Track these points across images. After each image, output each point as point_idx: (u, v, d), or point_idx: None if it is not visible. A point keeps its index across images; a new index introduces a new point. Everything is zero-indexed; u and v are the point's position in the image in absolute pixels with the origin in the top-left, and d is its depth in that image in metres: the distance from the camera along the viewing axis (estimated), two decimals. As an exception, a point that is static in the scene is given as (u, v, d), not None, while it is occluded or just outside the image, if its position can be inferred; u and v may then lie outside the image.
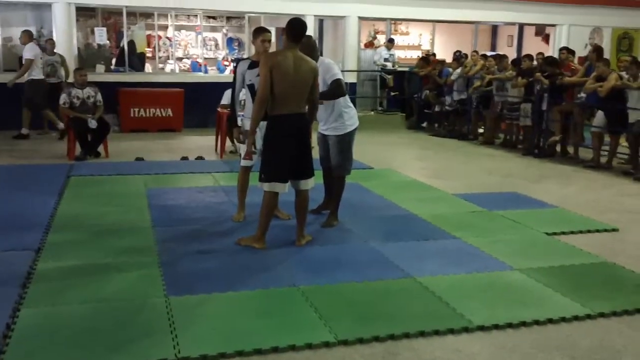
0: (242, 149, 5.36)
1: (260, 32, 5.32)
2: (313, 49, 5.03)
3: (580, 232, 5.54)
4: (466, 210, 6.19)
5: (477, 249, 4.89)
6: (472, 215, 5.98)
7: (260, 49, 5.25)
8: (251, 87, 5.20)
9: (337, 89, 5.15)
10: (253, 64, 5.20)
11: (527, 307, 3.80)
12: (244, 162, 5.39)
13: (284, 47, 4.64)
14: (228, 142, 9.30)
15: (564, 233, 5.45)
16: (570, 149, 9.71)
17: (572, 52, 10.51)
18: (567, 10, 14.86)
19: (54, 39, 11.11)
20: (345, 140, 5.36)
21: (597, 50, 9.50)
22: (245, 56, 14.04)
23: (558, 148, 9.77)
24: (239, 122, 5.46)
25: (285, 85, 4.48)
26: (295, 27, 4.59)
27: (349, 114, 5.35)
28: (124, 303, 3.71)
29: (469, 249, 4.92)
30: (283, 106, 4.54)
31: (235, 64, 5.51)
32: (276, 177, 4.61)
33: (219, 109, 9.26)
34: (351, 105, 5.44)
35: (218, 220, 5.58)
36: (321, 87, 5.15)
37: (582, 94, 9.24)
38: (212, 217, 5.71)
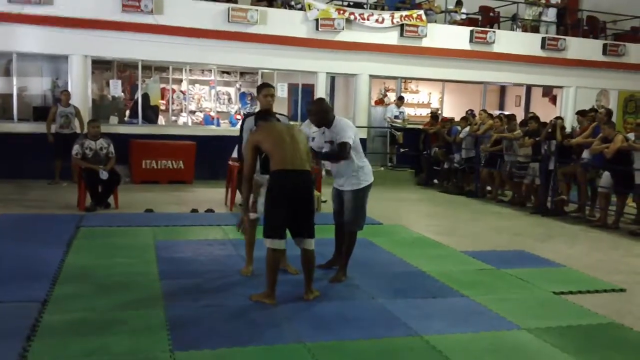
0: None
1: (263, 87, 5.50)
2: (327, 112, 5.24)
3: (588, 292, 5.49)
4: (474, 267, 6.17)
5: (484, 308, 4.85)
6: (480, 273, 5.95)
7: (264, 102, 5.40)
8: None
9: (340, 152, 5.17)
10: (260, 118, 5.33)
11: (535, 370, 3.75)
12: (251, 215, 5.42)
13: None
14: (238, 195, 9.38)
15: (571, 292, 5.41)
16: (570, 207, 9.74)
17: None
18: (574, 73, 15.14)
19: (69, 90, 11.37)
20: (360, 196, 5.40)
21: (609, 113, 9.64)
22: (256, 109, 14.30)
23: (566, 207, 9.79)
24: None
25: (279, 142, 4.64)
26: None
27: (364, 170, 5.41)
28: (129, 357, 3.68)
29: (476, 307, 4.88)
30: (281, 162, 4.61)
31: (242, 120, 5.66)
32: (273, 234, 4.64)
33: (230, 162, 9.37)
34: (366, 161, 5.48)
35: (226, 274, 5.58)
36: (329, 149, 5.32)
37: (584, 155, 9.32)
38: (221, 270, 5.71)
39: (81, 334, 4.00)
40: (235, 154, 9.40)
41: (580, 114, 10.58)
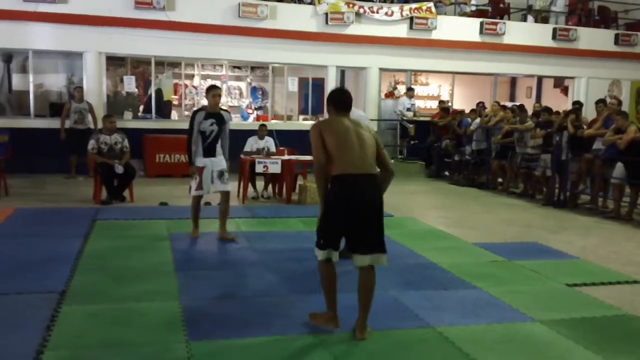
0: (193, 183, 6.55)
1: (211, 89, 6.45)
2: None
3: (602, 283, 5.49)
4: (486, 259, 6.19)
5: (497, 299, 4.88)
6: (492, 265, 5.98)
7: (212, 102, 6.40)
8: (202, 133, 6.39)
9: None
10: (208, 115, 6.37)
11: (547, 360, 3.78)
12: (194, 192, 6.57)
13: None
14: (250, 188, 9.46)
15: (585, 284, 5.41)
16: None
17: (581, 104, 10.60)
18: (586, 63, 15.04)
19: (84, 86, 11.49)
20: None
21: (620, 103, 9.59)
22: (267, 103, 14.37)
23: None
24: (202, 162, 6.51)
25: (343, 141, 3.95)
26: (339, 97, 4.17)
27: None
28: (146, 348, 3.76)
29: (489, 299, 4.91)
30: (344, 166, 3.92)
31: (192, 114, 6.55)
32: (326, 244, 3.95)
33: (241, 156, 9.44)
34: None
35: (239, 266, 5.66)
36: None
37: (596, 147, 9.29)
38: (233, 262, 5.80)
39: (98, 324, 4.09)
40: (247, 148, 9.55)
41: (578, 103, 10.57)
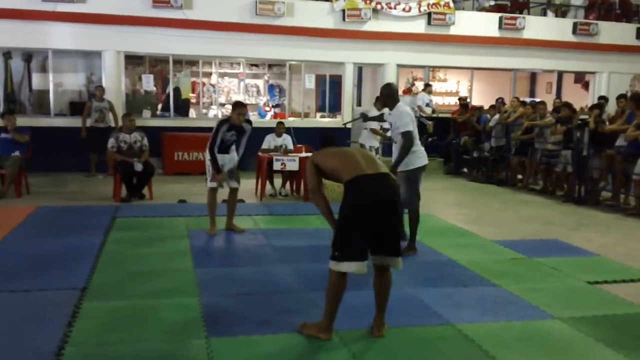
0: (208, 175, 6.71)
1: (237, 107, 6.71)
2: (389, 96, 5.94)
3: (623, 281, 5.44)
4: (505, 257, 6.15)
5: (516, 297, 4.84)
6: (512, 263, 5.93)
7: (236, 120, 6.62)
8: (222, 142, 6.66)
9: (405, 141, 5.83)
10: (231, 127, 6.64)
11: (568, 358, 3.75)
12: (210, 184, 6.68)
13: None
14: (268, 186, 9.48)
15: (606, 282, 5.36)
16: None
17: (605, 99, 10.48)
18: (607, 58, 14.86)
19: (103, 85, 11.60)
20: (412, 177, 5.91)
21: (635, 98, 9.43)
22: (284, 100, 14.39)
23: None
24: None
25: (342, 156, 4.03)
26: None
27: (416, 154, 5.95)
28: (166, 344, 3.79)
29: (508, 296, 4.87)
30: (355, 170, 3.84)
31: (218, 123, 6.77)
32: (348, 256, 3.75)
33: (259, 154, 9.47)
34: (419, 146, 6.01)
35: (257, 263, 5.68)
36: (393, 133, 6.02)
37: (618, 143, 9.16)
38: (252, 259, 5.82)
39: (119, 321, 4.14)
40: (265, 145, 9.58)
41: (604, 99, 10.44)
